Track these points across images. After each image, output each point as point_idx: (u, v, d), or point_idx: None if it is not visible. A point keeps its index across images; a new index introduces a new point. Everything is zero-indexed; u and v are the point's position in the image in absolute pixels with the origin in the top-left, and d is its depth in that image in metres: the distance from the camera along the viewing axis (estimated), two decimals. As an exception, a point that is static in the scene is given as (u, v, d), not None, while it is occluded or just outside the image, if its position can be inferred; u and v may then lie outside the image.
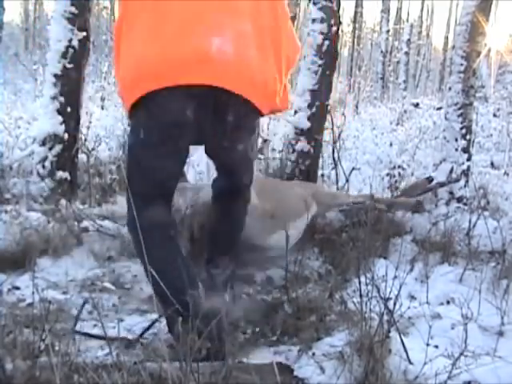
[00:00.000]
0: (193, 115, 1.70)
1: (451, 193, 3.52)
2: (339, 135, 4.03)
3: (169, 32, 1.64)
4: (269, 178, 3.49)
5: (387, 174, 4.08)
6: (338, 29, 3.57)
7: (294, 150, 3.57)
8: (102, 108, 7.46)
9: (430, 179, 3.53)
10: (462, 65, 3.51)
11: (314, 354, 1.67)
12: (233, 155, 1.91)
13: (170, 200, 1.83)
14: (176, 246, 1.77)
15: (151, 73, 1.65)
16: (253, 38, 1.73)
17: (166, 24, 1.65)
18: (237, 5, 1.74)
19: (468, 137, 3.57)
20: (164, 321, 1.95)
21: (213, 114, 1.74)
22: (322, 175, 3.89)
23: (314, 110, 3.53)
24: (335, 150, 3.87)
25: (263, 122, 5.71)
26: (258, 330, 1.96)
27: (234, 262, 2.10)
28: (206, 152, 1.97)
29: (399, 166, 4.12)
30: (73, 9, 3.33)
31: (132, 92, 1.70)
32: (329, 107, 3.66)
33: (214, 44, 1.62)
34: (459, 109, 3.53)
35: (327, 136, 3.96)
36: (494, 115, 7.73)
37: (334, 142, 3.91)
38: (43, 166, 3.37)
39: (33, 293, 1.97)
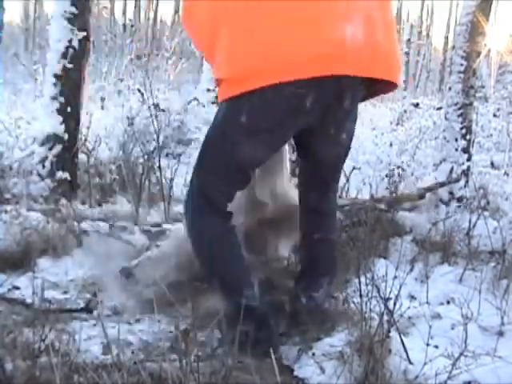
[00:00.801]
0: (312, 105, 1.69)
1: (451, 193, 3.52)
2: (339, 135, 4.02)
3: (303, 23, 1.62)
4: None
5: (386, 175, 4.08)
6: (338, 29, 3.56)
7: (294, 150, 3.56)
8: (102, 108, 7.46)
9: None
10: (462, 65, 3.51)
11: (313, 354, 1.67)
12: (335, 147, 1.92)
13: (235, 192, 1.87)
14: (235, 237, 1.86)
15: (286, 64, 1.62)
16: (377, 16, 1.71)
17: (299, 15, 1.63)
18: None
19: (468, 137, 3.57)
20: (164, 321, 1.95)
21: (335, 101, 1.75)
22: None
23: (313, 110, 3.52)
24: (335, 150, 3.86)
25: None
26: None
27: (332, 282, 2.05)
28: (300, 150, 1.99)
29: (398, 167, 4.13)
30: (73, 9, 3.33)
31: (255, 79, 1.65)
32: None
33: (348, 32, 1.62)
34: (459, 109, 3.53)
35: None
36: (494, 115, 7.72)
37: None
38: (43, 166, 3.37)
39: (33, 293, 1.98)
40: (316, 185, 2.02)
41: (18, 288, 2.21)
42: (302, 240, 2.07)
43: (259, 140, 1.74)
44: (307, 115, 1.73)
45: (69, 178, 3.41)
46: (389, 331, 1.58)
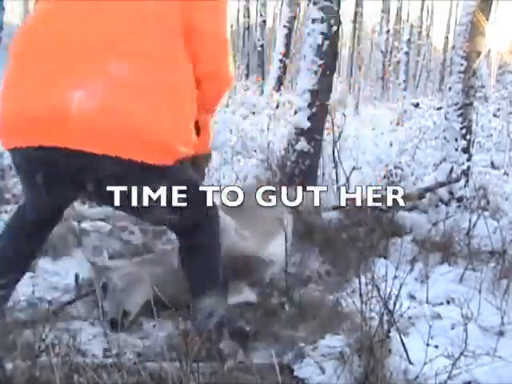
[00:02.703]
0: (48, 179, 1.48)
1: (451, 193, 3.52)
2: (339, 135, 4.03)
3: (30, 83, 1.41)
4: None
5: (384, 176, 4.08)
6: (338, 29, 3.57)
7: (294, 150, 3.57)
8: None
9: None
10: (462, 65, 3.51)
11: (314, 354, 1.67)
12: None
13: None
14: None
15: (6, 129, 1.47)
16: (131, 82, 1.40)
17: (30, 72, 1.42)
18: (109, 40, 1.39)
19: (468, 137, 3.57)
20: (164, 321, 1.95)
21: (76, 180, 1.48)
22: (323, 174, 3.89)
23: (314, 109, 3.53)
24: (335, 150, 3.88)
25: (263, 121, 5.70)
26: (258, 330, 1.96)
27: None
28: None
29: (395, 167, 4.12)
30: (73, 9, 3.33)
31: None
32: (329, 107, 3.66)
33: (75, 99, 1.35)
34: (459, 109, 3.53)
35: (327, 136, 3.96)
36: (494, 115, 7.72)
37: (334, 142, 3.91)
38: (43, 166, 3.37)
39: (32, 292, 1.98)
40: None
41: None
42: None
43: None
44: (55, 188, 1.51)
45: (69, 178, 3.41)
46: (389, 331, 1.58)
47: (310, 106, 3.53)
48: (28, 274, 2.25)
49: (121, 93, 1.38)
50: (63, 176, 1.47)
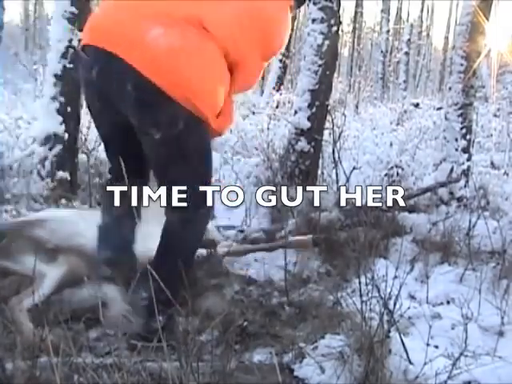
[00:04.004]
0: (96, 76, 1.77)
1: (451, 193, 3.52)
2: (339, 135, 4.03)
3: (122, 8, 1.81)
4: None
5: (385, 175, 4.08)
6: (338, 29, 3.57)
7: (294, 150, 3.57)
8: (102, 108, 7.46)
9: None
10: (462, 65, 3.51)
11: (314, 354, 1.67)
12: (151, 143, 1.78)
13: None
14: None
15: (90, 27, 1.85)
16: (192, 46, 1.74)
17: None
18: (195, 6, 1.79)
19: (468, 137, 3.57)
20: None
21: (116, 84, 1.75)
22: (322, 173, 3.89)
23: (314, 109, 3.53)
24: (335, 150, 3.87)
25: (263, 121, 5.70)
26: (258, 330, 1.96)
27: None
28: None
29: (396, 166, 4.12)
30: (73, 9, 3.33)
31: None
32: (329, 107, 3.66)
33: (153, 32, 1.70)
34: (459, 109, 3.53)
35: (327, 136, 3.96)
36: (494, 115, 7.72)
37: (334, 142, 3.91)
38: (43, 166, 3.37)
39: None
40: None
41: (18, 288, 2.20)
42: None
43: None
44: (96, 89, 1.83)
45: (69, 178, 3.42)
46: (389, 331, 1.58)
47: (309, 106, 3.53)
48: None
49: (186, 47, 1.71)
50: (109, 78, 1.74)
